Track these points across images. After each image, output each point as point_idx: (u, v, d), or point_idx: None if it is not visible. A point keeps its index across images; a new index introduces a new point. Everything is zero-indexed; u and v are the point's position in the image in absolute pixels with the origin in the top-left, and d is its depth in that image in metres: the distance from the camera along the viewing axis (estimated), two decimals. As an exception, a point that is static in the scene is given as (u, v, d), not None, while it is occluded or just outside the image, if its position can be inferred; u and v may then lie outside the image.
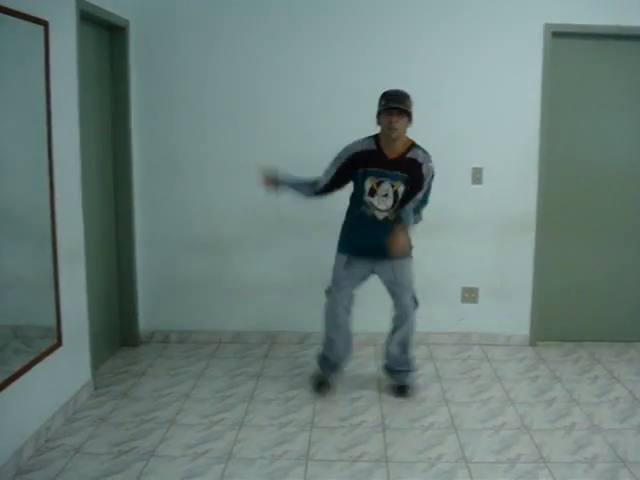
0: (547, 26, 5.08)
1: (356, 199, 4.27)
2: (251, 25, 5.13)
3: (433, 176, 4.22)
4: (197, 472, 3.50)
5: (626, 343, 5.48)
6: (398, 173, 4.13)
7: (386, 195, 4.15)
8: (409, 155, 4.16)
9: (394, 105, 4.01)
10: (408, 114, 4.07)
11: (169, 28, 5.15)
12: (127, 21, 4.94)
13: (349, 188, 4.33)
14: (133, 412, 4.20)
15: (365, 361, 5.08)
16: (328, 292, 4.49)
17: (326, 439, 3.87)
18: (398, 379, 4.55)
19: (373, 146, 4.18)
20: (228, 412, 4.21)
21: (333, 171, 4.25)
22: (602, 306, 5.49)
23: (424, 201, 4.30)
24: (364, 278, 4.41)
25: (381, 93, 4.13)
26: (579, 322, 5.52)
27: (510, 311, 5.43)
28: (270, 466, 3.57)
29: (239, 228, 5.34)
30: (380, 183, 4.15)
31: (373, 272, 4.37)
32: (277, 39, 5.15)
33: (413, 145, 4.19)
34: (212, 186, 5.30)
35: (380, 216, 4.20)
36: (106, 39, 4.91)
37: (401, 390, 4.49)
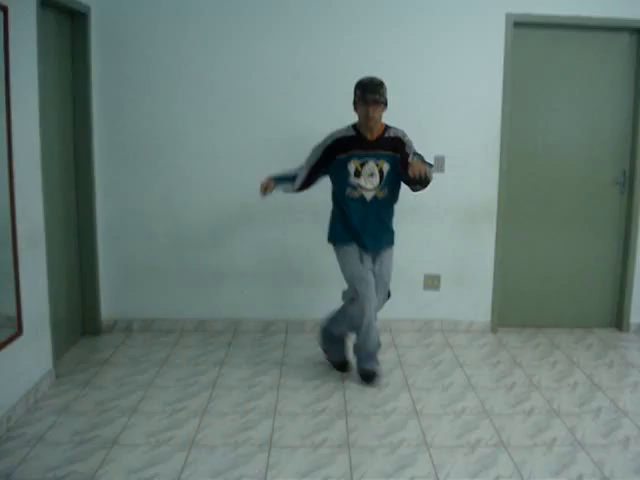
0: (508, 16, 5.13)
1: (341, 185, 4.31)
2: (221, 10, 5.10)
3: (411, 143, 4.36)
4: (160, 459, 3.49)
5: (585, 329, 5.59)
6: (381, 152, 4.26)
7: (372, 174, 4.25)
8: (387, 134, 4.29)
9: (371, 97, 4.12)
10: (384, 102, 4.20)
11: (131, 13, 5.09)
12: (88, 7, 4.88)
13: (328, 187, 4.39)
14: (95, 401, 4.17)
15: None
16: (353, 297, 4.31)
17: (289, 426, 3.89)
18: (365, 365, 4.51)
19: (352, 132, 4.28)
20: (191, 400, 4.21)
21: (314, 158, 4.30)
22: (562, 293, 5.59)
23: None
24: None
25: (356, 82, 4.23)
26: (539, 308, 5.61)
27: (472, 298, 5.50)
28: (233, 453, 3.57)
29: (202, 215, 5.33)
30: (364, 164, 4.23)
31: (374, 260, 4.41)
32: (250, 24, 5.13)
33: (387, 126, 4.33)
34: (175, 173, 5.27)
35: (368, 196, 4.27)
36: (67, 25, 4.85)
37: (367, 377, 4.47)
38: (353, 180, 4.25)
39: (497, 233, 5.40)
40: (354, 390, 4.38)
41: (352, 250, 4.33)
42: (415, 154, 4.33)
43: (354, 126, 4.31)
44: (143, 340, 5.24)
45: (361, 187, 4.26)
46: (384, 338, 5.23)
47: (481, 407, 4.15)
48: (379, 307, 4.49)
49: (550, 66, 5.34)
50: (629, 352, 5.15)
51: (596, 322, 5.65)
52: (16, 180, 3.82)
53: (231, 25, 5.11)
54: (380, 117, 4.24)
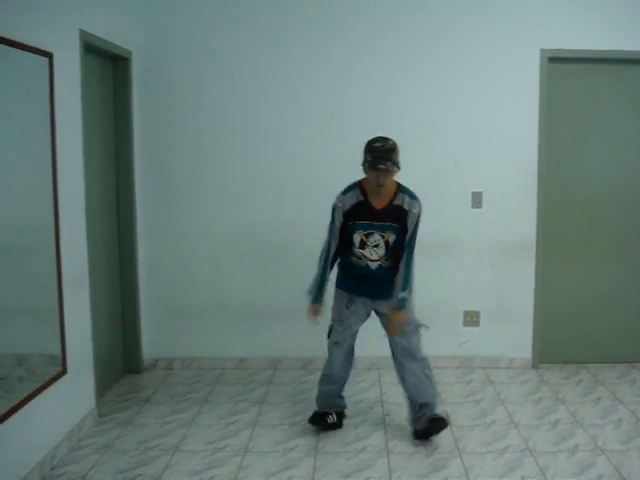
0: (543, 51, 5.16)
1: (347, 249, 4.14)
2: (251, 54, 5.21)
3: (418, 220, 4.04)
4: (202, 498, 3.51)
5: (628, 364, 5.50)
6: (387, 224, 4.02)
7: (377, 246, 4.03)
8: (396, 202, 4.02)
9: (382, 166, 3.83)
10: (396, 169, 3.91)
11: (171, 58, 5.22)
12: (130, 52, 5.01)
13: None
14: (137, 439, 4.20)
15: (368, 386, 5.10)
16: (331, 332, 4.29)
17: (331, 464, 3.88)
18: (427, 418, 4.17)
19: (360, 197, 4.03)
20: (232, 438, 4.22)
21: (339, 222, 4.07)
22: (604, 327, 5.51)
23: (411, 246, 4.07)
24: (367, 315, 4.25)
25: (366, 143, 3.94)
26: (581, 344, 5.53)
27: (512, 334, 5.45)
28: (275, 492, 3.59)
29: (241, 254, 5.38)
30: (369, 235, 4.03)
31: (373, 309, 4.22)
32: (276, 69, 5.23)
33: (399, 189, 4.04)
34: (214, 213, 5.35)
35: (373, 266, 4.07)
36: (109, 69, 4.98)
37: (434, 425, 4.13)
38: (357, 251, 4.06)
39: (536, 268, 5.37)
40: (395, 428, 4.36)
41: (341, 295, 4.22)
42: (410, 241, 4.06)
43: (361, 187, 4.05)
44: (184, 378, 5.27)
45: (365, 257, 4.07)
46: (424, 375, 5.22)
47: (525, 445, 4.10)
48: (409, 349, 4.21)
49: (585, 100, 5.34)
50: (674, 387, 5.06)
51: (639, 357, 5.56)
52: (61, 223, 3.91)
53: (269, 67, 5.21)
54: (390, 181, 3.97)
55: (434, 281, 5.21)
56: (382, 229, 4.02)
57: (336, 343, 4.29)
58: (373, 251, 4.05)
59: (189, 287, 5.42)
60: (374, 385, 5.10)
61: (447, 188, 5.18)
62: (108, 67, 4.97)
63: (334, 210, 4.09)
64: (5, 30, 3.29)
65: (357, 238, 4.05)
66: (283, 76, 5.23)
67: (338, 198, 4.09)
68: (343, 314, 4.23)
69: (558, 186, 5.35)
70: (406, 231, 4.04)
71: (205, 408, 4.70)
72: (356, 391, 4.93)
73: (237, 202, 5.33)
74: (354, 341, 4.34)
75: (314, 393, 4.85)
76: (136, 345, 5.35)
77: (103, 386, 4.77)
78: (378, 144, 3.89)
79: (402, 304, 4.04)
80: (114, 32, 4.72)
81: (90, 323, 4.37)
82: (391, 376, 4.99)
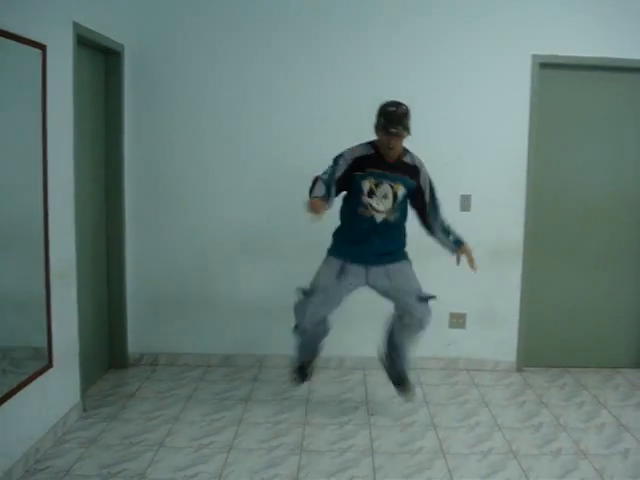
0: (535, 57, 5.18)
1: (352, 202, 4.20)
2: (246, 47, 5.20)
3: (432, 181, 4.28)
4: (187, 495, 3.51)
5: (612, 369, 5.54)
6: (398, 175, 4.14)
7: (385, 196, 4.12)
8: (405, 159, 4.19)
9: (394, 130, 3.97)
10: (407, 134, 4.05)
11: (163, 52, 5.21)
12: (122, 45, 4.99)
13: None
14: (122, 434, 4.19)
15: (354, 385, 5.10)
16: (306, 293, 4.30)
17: (315, 463, 3.88)
18: (395, 372, 4.53)
19: (372, 151, 4.15)
20: (217, 435, 4.22)
21: (340, 172, 4.10)
22: (588, 332, 5.55)
23: (437, 205, 4.31)
24: (354, 288, 4.27)
25: (380, 106, 4.09)
26: (565, 348, 5.57)
27: (497, 337, 5.48)
28: (260, 489, 3.59)
29: (228, 251, 5.38)
30: (379, 184, 4.11)
31: (366, 282, 4.26)
32: (272, 61, 5.23)
33: (405, 150, 4.21)
34: (203, 209, 5.34)
35: (378, 218, 4.15)
36: (101, 63, 4.96)
37: (400, 384, 4.51)
38: (365, 199, 4.12)
39: (523, 272, 5.40)
40: (381, 428, 4.37)
41: (334, 263, 4.25)
42: (433, 198, 4.29)
43: (373, 144, 4.17)
44: (169, 374, 5.26)
45: (372, 207, 4.12)
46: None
47: (508, 447, 4.12)
48: (422, 318, 4.33)
49: (577, 106, 5.37)
50: (657, 393, 5.11)
51: (623, 362, 5.60)
52: (50, 214, 3.90)
53: (261, 62, 5.22)
54: (401, 146, 4.14)
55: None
56: (393, 179, 4.13)
57: (296, 327, 4.40)
58: (380, 202, 4.13)
59: (176, 283, 5.41)
60: (359, 385, 5.10)
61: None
62: (100, 60, 4.95)
63: (338, 159, 4.14)
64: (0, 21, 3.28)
65: (367, 185, 4.11)
66: (275, 72, 5.23)
67: (348, 149, 4.17)
68: (330, 282, 4.24)
69: (547, 191, 5.38)
70: (415, 189, 4.22)
71: (190, 405, 4.69)
72: (341, 390, 4.94)
73: (226, 198, 5.32)
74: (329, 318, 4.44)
75: (299, 391, 4.87)
76: (122, 340, 5.34)
77: (88, 380, 4.74)
78: (392, 108, 4.03)
79: (459, 239, 4.35)
80: (107, 25, 4.70)
81: (77, 317, 4.35)
82: (376, 376, 5.03)
